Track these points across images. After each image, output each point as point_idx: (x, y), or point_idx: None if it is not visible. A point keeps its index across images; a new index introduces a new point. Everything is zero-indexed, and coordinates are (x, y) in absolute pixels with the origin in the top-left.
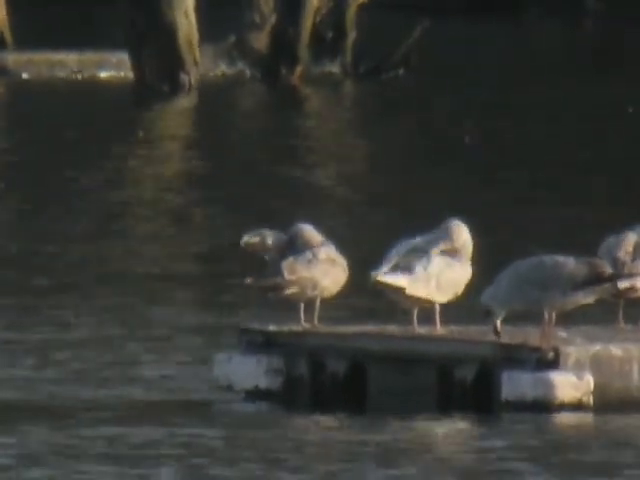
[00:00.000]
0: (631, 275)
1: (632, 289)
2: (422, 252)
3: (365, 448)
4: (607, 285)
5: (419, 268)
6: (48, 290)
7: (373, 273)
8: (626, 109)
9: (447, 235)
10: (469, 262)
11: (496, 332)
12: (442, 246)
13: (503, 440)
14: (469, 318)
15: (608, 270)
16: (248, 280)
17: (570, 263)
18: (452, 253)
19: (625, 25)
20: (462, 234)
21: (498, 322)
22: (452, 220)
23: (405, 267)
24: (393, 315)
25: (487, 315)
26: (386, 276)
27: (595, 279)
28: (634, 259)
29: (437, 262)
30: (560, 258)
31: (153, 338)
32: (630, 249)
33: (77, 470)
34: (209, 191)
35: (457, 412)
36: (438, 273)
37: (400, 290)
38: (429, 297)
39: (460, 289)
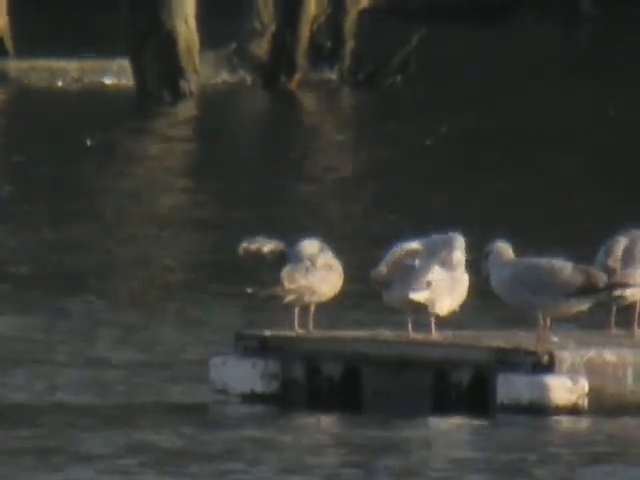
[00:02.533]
0: (625, 285)
1: (622, 297)
2: (422, 261)
3: (360, 452)
4: (601, 295)
5: (441, 286)
6: (44, 292)
7: (373, 271)
8: (607, 112)
9: (448, 251)
10: (464, 274)
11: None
12: (439, 267)
13: (498, 443)
14: (463, 323)
15: (603, 280)
16: (249, 290)
17: (567, 270)
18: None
19: (621, 29)
20: (458, 253)
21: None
22: (451, 236)
23: (413, 277)
24: (387, 320)
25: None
26: (415, 294)
27: (589, 289)
28: (624, 266)
29: (448, 279)
30: (558, 263)
31: (150, 341)
32: (619, 256)
33: (74, 472)
34: (209, 197)
35: (453, 416)
36: (451, 290)
37: (424, 307)
38: (442, 313)
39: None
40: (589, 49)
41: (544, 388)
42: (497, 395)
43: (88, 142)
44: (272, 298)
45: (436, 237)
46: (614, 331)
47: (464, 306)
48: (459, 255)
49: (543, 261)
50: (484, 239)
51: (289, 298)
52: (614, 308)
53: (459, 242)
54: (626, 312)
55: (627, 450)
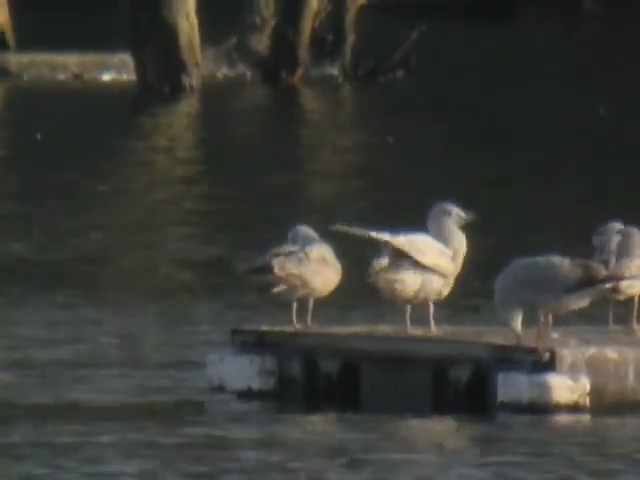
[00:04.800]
0: (623, 276)
1: (619, 290)
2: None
3: (358, 448)
4: (601, 287)
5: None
6: (44, 289)
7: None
8: (599, 111)
9: (446, 243)
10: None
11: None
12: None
13: (498, 441)
14: (461, 319)
15: (602, 273)
16: (239, 267)
17: (564, 265)
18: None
19: (622, 26)
20: (460, 240)
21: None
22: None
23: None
24: (385, 316)
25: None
26: (374, 233)
27: (588, 281)
28: (619, 260)
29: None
30: (555, 259)
31: (147, 338)
32: (612, 248)
33: (72, 469)
34: (209, 193)
35: (452, 413)
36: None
37: (402, 253)
38: (426, 262)
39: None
40: (589, 48)
41: (545, 386)
42: (497, 393)
43: (38, 137)
44: (263, 285)
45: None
46: (613, 328)
47: (464, 304)
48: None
49: (540, 259)
50: (481, 238)
51: (279, 288)
52: (612, 305)
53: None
54: (625, 309)
55: (629, 448)
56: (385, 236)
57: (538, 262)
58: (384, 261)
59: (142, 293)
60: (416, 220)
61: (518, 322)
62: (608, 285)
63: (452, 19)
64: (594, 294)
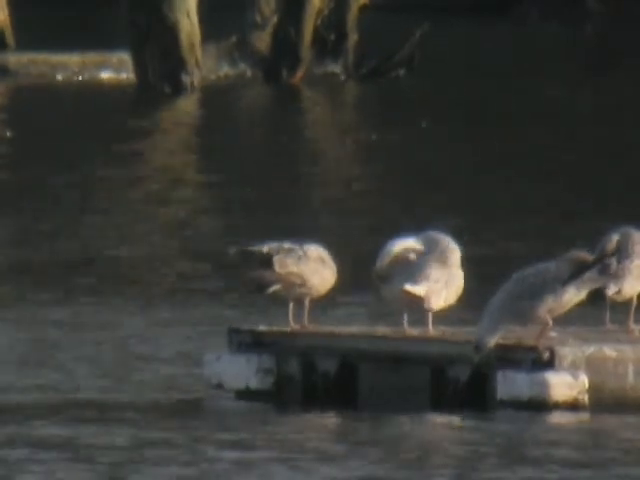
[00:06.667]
0: (612, 254)
1: (619, 293)
2: (420, 256)
3: (355, 448)
4: (593, 271)
5: (433, 280)
6: (40, 289)
7: (375, 267)
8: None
9: (440, 253)
10: (460, 269)
11: (475, 364)
12: (436, 262)
13: (498, 439)
14: (458, 320)
15: (589, 257)
16: (232, 250)
17: (551, 266)
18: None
19: (625, 26)
20: (454, 250)
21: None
22: (442, 237)
23: (409, 272)
24: (384, 316)
25: (476, 351)
26: (411, 286)
27: (580, 269)
28: (619, 260)
29: (444, 275)
30: (541, 266)
31: (145, 339)
32: (611, 251)
33: (70, 469)
34: (210, 193)
35: (451, 413)
36: (447, 285)
37: (419, 300)
38: (437, 307)
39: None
40: (589, 48)
41: (544, 384)
42: (496, 392)
43: (8, 134)
44: (261, 283)
45: (432, 233)
46: (609, 327)
47: (462, 303)
48: (455, 251)
49: (528, 270)
50: (481, 237)
51: (277, 286)
52: (608, 305)
53: (453, 241)
54: (621, 313)
55: (628, 446)
56: (417, 289)
57: (527, 273)
58: (383, 263)
59: (140, 292)
60: (416, 220)
61: (493, 341)
62: (609, 291)
63: (453, 18)
64: (590, 283)
